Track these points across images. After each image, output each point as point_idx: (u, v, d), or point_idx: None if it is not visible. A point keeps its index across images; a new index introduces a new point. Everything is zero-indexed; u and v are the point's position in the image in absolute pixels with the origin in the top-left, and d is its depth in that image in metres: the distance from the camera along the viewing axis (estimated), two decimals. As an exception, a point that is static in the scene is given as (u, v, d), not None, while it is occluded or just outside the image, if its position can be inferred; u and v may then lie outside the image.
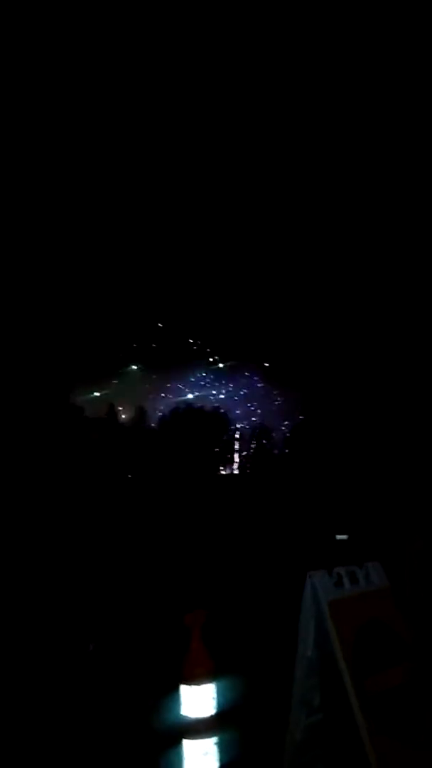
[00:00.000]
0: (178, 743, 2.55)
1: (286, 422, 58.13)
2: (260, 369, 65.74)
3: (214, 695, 2.55)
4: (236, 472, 55.30)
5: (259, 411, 61.52)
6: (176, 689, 2.59)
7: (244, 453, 56.44)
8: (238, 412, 61.04)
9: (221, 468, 54.42)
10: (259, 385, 65.72)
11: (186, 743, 2.50)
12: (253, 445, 56.86)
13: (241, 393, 64.45)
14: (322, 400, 52.81)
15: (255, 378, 65.51)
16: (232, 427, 58.53)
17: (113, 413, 52.59)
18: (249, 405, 63.29)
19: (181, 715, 2.54)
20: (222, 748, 2.60)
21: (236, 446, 57.47)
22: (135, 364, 61.53)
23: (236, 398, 65.00)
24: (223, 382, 66.01)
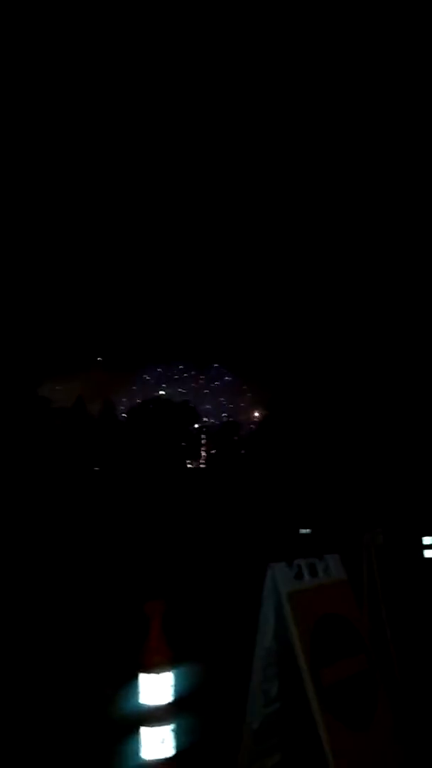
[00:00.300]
0: (136, 731, 2.57)
1: (256, 415, 58.48)
2: (231, 363, 65.79)
3: (173, 683, 2.58)
4: (203, 465, 55.45)
5: (230, 405, 61.69)
6: (135, 678, 2.61)
7: (212, 447, 56.60)
8: (208, 406, 61.13)
9: (188, 461, 54.44)
10: (228, 378, 65.84)
11: (143, 730, 2.53)
12: (220, 440, 57.03)
13: (212, 386, 64.52)
14: (287, 396, 53.22)
15: (225, 372, 65.63)
16: (202, 421, 58.62)
17: (81, 405, 52.08)
18: (220, 399, 63.40)
19: (139, 703, 2.56)
20: (179, 735, 2.64)
21: (204, 440, 57.56)
22: (104, 357, 60.97)
23: (206, 391, 65.04)
24: (193, 374, 65.93)
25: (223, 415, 59.98)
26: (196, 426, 57.50)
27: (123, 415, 56.21)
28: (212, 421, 59.15)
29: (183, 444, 53.77)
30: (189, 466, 53.84)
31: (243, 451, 54.44)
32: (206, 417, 59.03)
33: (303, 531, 12.15)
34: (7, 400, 35.06)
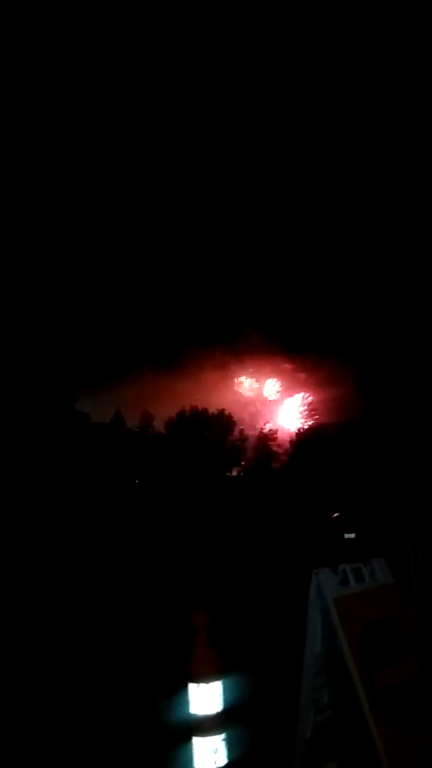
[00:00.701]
0: (188, 740, 2.58)
1: (294, 422, 58.08)
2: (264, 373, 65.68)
3: (222, 693, 2.59)
4: (242, 474, 55.30)
5: (264, 413, 61.53)
6: (185, 688, 2.63)
7: (251, 456, 56.47)
8: (244, 415, 61.05)
9: (228, 471, 54.44)
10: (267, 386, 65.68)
11: (195, 740, 2.54)
12: (258, 447, 56.87)
13: (248, 395, 64.50)
14: (328, 401, 52.75)
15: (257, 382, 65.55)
16: (239, 429, 58.54)
17: (120, 419, 52.69)
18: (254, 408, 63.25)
19: (190, 713, 2.57)
20: (231, 744, 2.64)
21: (243, 448, 57.46)
22: (139, 368, 61.52)
23: (243, 401, 65.08)
24: (229, 384, 66.00)
25: (261, 422, 59.64)
26: (235, 435, 57.43)
27: (164, 425, 56.44)
28: (248, 430, 58.97)
29: (222, 454, 53.78)
30: (230, 474, 53.80)
31: (283, 458, 54.13)
32: (243, 425, 58.78)
33: (348, 536, 12.00)
34: (45, 417, 35.70)
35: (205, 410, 57.87)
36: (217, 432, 55.29)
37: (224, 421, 57.15)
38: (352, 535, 11.66)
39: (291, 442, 55.59)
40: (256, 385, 64.28)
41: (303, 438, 53.44)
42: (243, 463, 55.74)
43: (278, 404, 61.77)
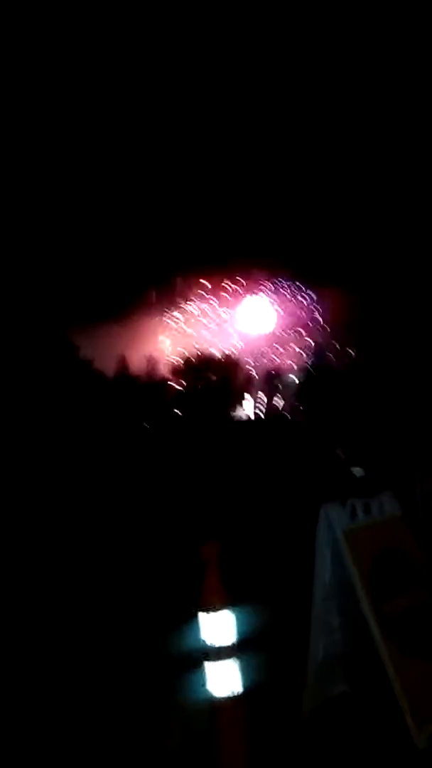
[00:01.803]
0: (200, 667, 2.67)
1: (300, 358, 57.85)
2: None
3: (233, 622, 2.66)
4: (252, 415, 55.71)
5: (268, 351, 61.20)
6: (196, 618, 2.70)
7: (258, 395, 56.69)
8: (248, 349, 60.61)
9: (237, 412, 54.82)
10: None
11: (209, 666, 2.63)
12: (266, 387, 57.06)
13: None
14: (332, 336, 52.40)
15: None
16: (247, 368, 58.52)
17: (124, 364, 52.67)
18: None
19: (202, 641, 2.65)
20: (243, 670, 2.73)
21: (250, 388, 57.61)
22: (140, 307, 60.56)
23: (248, 339, 64.67)
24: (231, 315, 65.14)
25: (265, 360, 59.40)
26: (241, 376, 57.50)
27: (169, 370, 56.44)
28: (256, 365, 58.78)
29: (230, 395, 54.02)
30: (239, 416, 54.22)
31: (290, 397, 54.34)
32: (249, 362, 58.58)
33: (355, 470, 12.13)
34: (51, 368, 35.70)
35: (211, 353, 57.78)
36: (224, 375, 55.37)
37: (230, 364, 57.15)
38: (360, 470, 11.79)
39: (297, 378, 55.70)
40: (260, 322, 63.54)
41: (309, 374, 53.47)
42: (251, 403, 55.96)
43: (283, 341, 61.43)
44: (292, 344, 60.45)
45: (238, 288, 63.82)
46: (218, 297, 64.39)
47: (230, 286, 63.49)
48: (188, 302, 63.17)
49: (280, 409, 52.99)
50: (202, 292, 64.01)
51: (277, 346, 61.19)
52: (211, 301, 64.33)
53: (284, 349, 60.36)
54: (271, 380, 57.16)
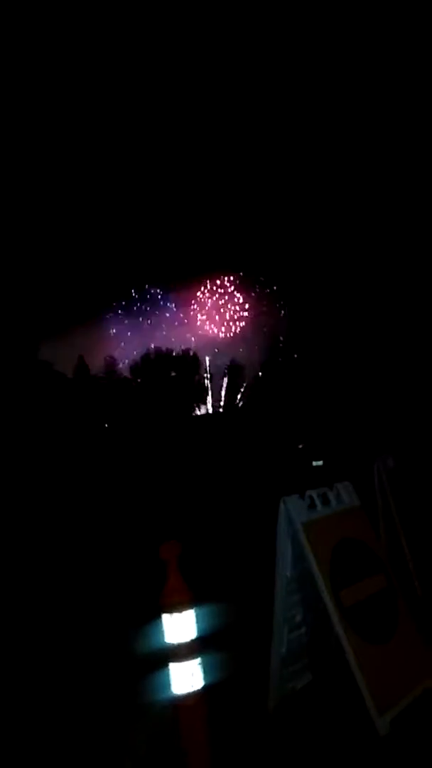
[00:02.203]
0: (165, 667, 2.66)
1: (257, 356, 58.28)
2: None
3: (196, 621, 2.65)
4: (210, 410, 55.79)
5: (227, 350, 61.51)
6: (159, 618, 2.68)
7: (218, 391, 56.81)
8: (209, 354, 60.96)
9: (196, 408, 54.79)
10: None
11: (172, 666, 2.61)
12: (224, 383, 57.24)
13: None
14: (292, 330, 52.98)
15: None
16: (205, 366, 58.62)
17: (84, 365, 52.07)
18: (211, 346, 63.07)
19: (165, 642, 2.63)
20: (208, 670, 2.72)
21: (209, 385, 57.68)
22: (101, 312, 60.30)
23: (206, 334, 64.80)
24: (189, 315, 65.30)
25: (224, 355, 59.60)
26: (201, 373, 57.55)
27: (128, 368, 56.08)
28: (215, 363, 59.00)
29: (190, 391, 53.99)
30: (198, 412, 54.22)
31: (248, 391, 54.67)
32: (208, 359, 58.80)
33: (316, 463, 12.31)
34: (8, 368, 35.00)
35: (169, 351, 57.63)
36: (183, 372, 55.31)
37: (189, 361, 57.14)
38: (320, 462, 11.97)
39: (255, 376, 56.07)
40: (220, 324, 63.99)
41: (267, 371, 53.90)
42: (210, 400, 56.09)
43: (242, 340, 61.79)
44: (249, 342, 60.78)
45: (197, 290, 63.90)
46: (177, 298, 64.26)
47: (189, 289, 63.56)
48: (149, 304, 62.87)
49: (238, 404, 53.26)
50: (161, 294, 63.70)
51: (234, 344, 61.42)
52: (169, 302, 64.12)
53: (242, 346, 60.65)
54: (229, 376, 57.38)
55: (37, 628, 5.63)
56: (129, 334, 62.22)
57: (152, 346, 57.20)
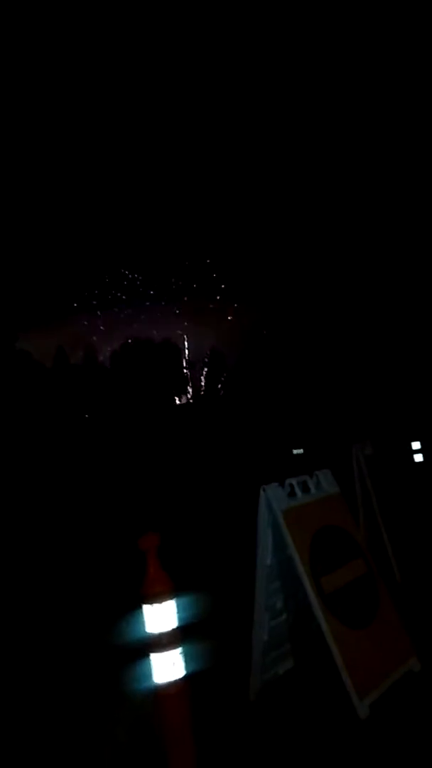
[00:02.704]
0: (146, 657, 2.65)
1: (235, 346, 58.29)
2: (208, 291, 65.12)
3: (177, 611, 2.64)
4: (191, 399, 55.79)
5: (210, 334, 61.41)
6: (139, 609, 2.67)
7: (198, 380, 56.77)
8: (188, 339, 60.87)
9: (176, 397, 54.73)
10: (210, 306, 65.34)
11: (153, 656, 2.60)
12: (205, 372, 57.19)
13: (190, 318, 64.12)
14: (272, 319, 53.07)
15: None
16: (186, 355, 58.54)
17: (63, 355, 51.61)
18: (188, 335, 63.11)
19: (146, 632, 2.62)
20: (190, 659, 2.73)
21: (188, 374, 57.64)
22: (79, 303, 60.03)
23: (186, 323, 64.74)
24: (170, 309, 65.24)
25: (204, 345, 59.56)
26: (181, 362, 57.46)
27: (108, 358, 55.81)
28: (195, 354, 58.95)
29: (169, 382, 53.89)
30: (178, 402, 54.17)
31: (229, 381, 54.73)
32: (188, 349, 58.80)
33: (296, 451, 12.38)
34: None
35: (150, 340, 57.37)
36: (163, 360, 55.13)
37: (169, 350, 56.96)
38: (300, 450, 12.04)
39: (234, 365, 56.09)
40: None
41: (245, 360, 53.95)
42: (191, 388, 56.07)
43: (221, 330, 61.73)
44: (229, 330, 60.75)
45: (177, 281, 63.69)
46: (158, 291, 63.95)
47: (170, 281, 63.35)
48: (129, 296, 62.56)
49: (219, 392, 53.28)
50: (141, 287, 63.35)
51: (214, 332, 61.34)
52: (149, 293, 63.79)
53: (221, 335, 60.60)
54: (209, 364, 57.35)
55: (19, 618, 5.60)
56: (108, 322, 61.85)
57: (131, 335, 56.91)
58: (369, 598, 3.72)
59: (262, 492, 3.65)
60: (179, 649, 2.63)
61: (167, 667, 2.57)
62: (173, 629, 2.61)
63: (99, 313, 62.05)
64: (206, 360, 59.07)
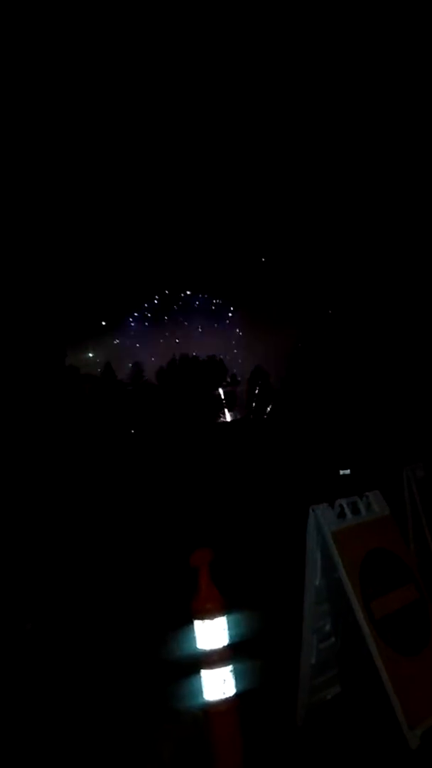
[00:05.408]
0: (197, 674, 2.68)
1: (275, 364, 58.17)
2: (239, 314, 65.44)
3: (227, 628, 2.67)
4: (238, 416, 55.77)
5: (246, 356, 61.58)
6: (191, 625, 2.71)
7: (245, 397, 56.82)
8: (227, 357, 61.09)
9: (223, 414, 54.85)
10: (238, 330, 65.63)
11: (204, 673, 2.64)
12: (252, 390, 57.17)
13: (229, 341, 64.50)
14: (315, 338, 52.67)
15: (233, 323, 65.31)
16: (231, 373, 58.75)
17: (110, 371, 52.60)
18: (234, 351, 63.26)
19: (197, 648, 2.66)
20: (240, 677, 2.74)
21: (236, 392, 57.75)
22: (129, 321, 61.27)
23: (233, 341, 65.03)
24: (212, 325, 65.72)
25: (244, 363, 59.78)
26: (227, 379, 57.68)
27: (155, 374, 56.60)
28: (235, 372, 59.16)
29: (216, 398, 54.08)
30: (225, 419, 54.25)
31: (276, 398, 54.51)
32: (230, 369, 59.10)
33: (343, 472, 12.20)
34: (36, 372, 35.48)
35: (195, 357, 57.90)
36: (210, 378, 55.43)
37: (215, 367, 57.27)
38: (348, 471, 11.86)
39: (282, 382, 55.84)
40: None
41: (293, 378, 53.61)
42: (237, 406, 56.10)
43: (268, 347, 61.74)
44: (275, 348, 60.71)
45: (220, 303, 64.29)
46: (204, 309, 64.75)
47: (213, 302, 64.02)
48: (176, 312, 63.54)
49: (267, 411, 53.07)
50: (188, 304, 64.32)
51: (259, 350, 61.47)
52: (195, 309, 64.59)
53: (268, 353, 60.61)
54: (256, 383, 57.24)
55: (71, 634, 5.70)
56: (153, 339, 62.83)
57: (178, 352, 57.56)
58: (421, 624, 3.66)
59: (311, 512, 3.65)
60: (230, 667, 2.65)
61: (218, 684, 2.60)
62: (224, 646, 2.64)
63: (146, 326, 62.96)
64: (254, 378, 59.07)
